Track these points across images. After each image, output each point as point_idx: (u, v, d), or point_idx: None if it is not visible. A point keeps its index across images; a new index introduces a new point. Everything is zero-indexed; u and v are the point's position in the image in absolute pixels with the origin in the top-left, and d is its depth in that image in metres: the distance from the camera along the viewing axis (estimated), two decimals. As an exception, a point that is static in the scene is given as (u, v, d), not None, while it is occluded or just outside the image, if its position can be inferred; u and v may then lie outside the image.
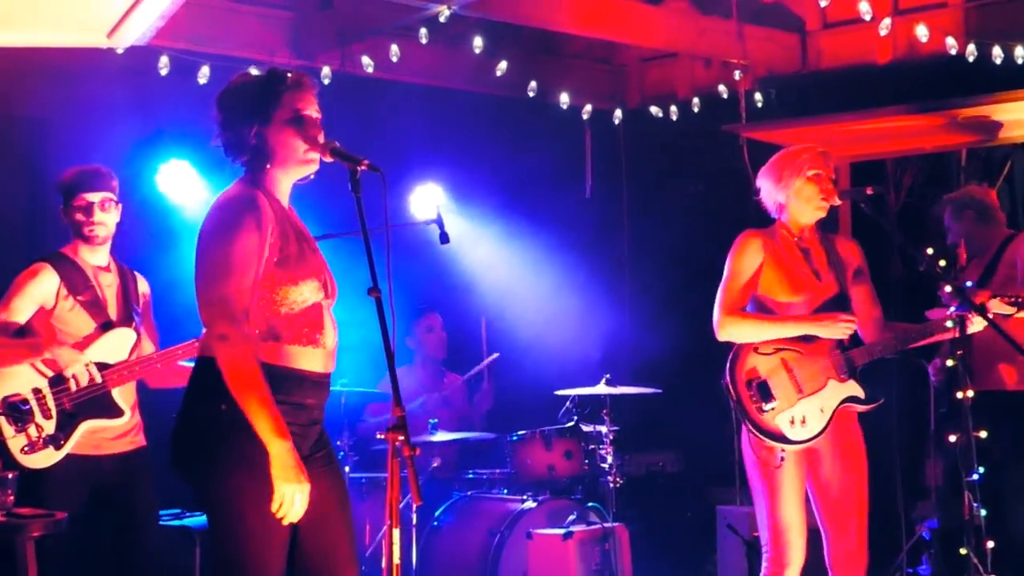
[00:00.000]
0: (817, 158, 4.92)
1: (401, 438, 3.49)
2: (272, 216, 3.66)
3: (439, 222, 6.28)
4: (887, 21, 7.01)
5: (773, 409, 4.73)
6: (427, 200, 7.45)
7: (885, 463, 5.44)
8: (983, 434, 4.80)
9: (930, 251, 4.97)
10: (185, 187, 6.76)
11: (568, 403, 6.52)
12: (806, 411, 4.75)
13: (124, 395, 4.85)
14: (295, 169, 3.79)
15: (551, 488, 6.53)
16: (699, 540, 7.57)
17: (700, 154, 8.46)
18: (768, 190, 5.00)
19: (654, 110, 8.53)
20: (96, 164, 5.02)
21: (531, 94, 7.96)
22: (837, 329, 4.77)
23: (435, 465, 6.48)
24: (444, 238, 6.31)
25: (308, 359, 3.69)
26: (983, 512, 4.83)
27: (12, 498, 3.63)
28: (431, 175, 7.61)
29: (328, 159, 3.80)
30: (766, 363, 4.80)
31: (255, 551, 3.57)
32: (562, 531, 6.01)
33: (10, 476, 3.66)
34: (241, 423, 3.52)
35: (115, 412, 4.82)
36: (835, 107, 7.65)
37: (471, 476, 6.84)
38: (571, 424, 6.51)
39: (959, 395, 4.70)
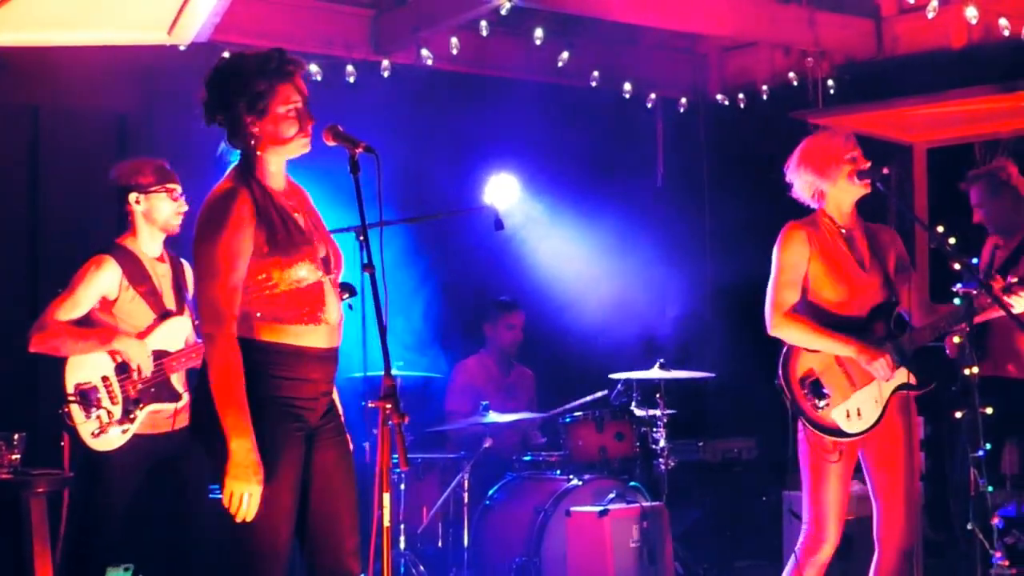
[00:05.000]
0: (849, 141, 4.94)
1: (390, 406, 3.65)
2: (253, 210, 3.80)
3: (493, 209, 6.43)
4: (934, 3, 6.96)
5: (827, 405, 4.82)
6: (502, 188, 7.58)
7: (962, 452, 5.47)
8: (989, 410, 4.80)
9: (940, 229, 4.96)
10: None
11: (619, 386, 6.65)
12: (861, 403, 4.83)
13: (180, 379, 5.12)
14: (289, 151, 3.93)
15: (604, 470, 6.67)
16: (770, 525, 7.59)
17: (780, 142, 8.43)
18: (808, 181, 4.98)
19: (723, 98, 8.59)
20: (161, 159, 5.23)
21: (593, 84, 8.08)
22: (876, 369, 4.79)
23: (486, 445, 6.64)
24: (498, 225, 6.46)
25: (310, 336, 3.85)
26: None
27: (18, 456, 3.88)
28: (507, 165, 7.76)
29: (331, 142, 3.95)
30: (820, 361, 4.88)
31: (260, 517, 3.73)
32: (599, 509, 6.13)
33: (16, 437, 3.91)
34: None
35: (174, 396, 5.07)
36: (909, 92, 7.61)
37: (528, 458, 7.01)
38: (622, 406, 6.63)
39: (966, 371, 4.70)
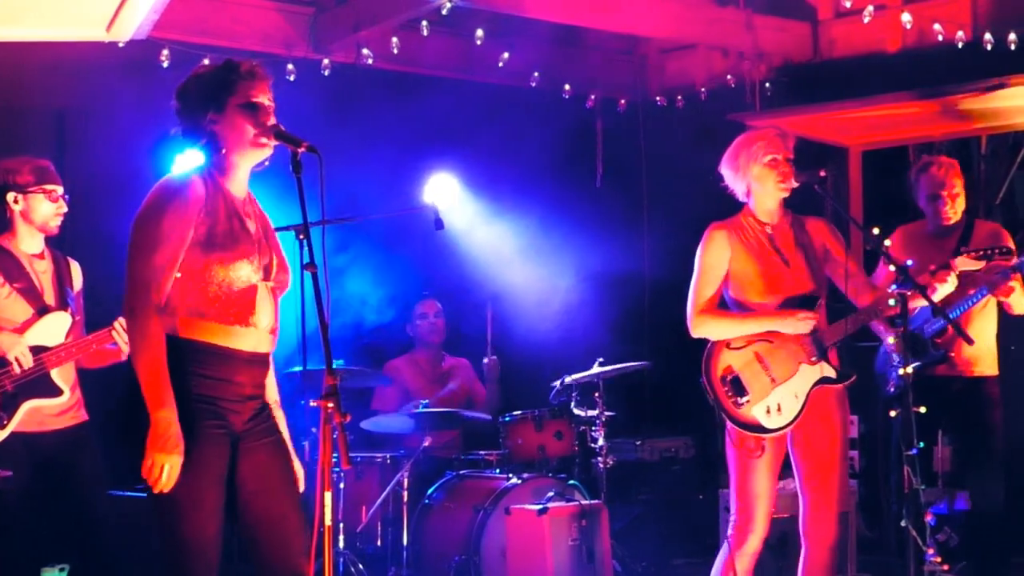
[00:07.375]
0: (772, 142, 5.00)
1: (332, 405, 3.66)
2: (201, 198, 3.85)
3: (434, 208, 6.44)
4: (870, 8, 7.07)
5: (748, 402, 4.90)
6: (441, 188, 7.58)
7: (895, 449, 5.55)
8: (922, 409, 4.86)
9: (876, 231, 5.03)
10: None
11: (558, 384, 6.69)
12: (781, 399, 4.90)
13: (63, 375, 5.06)
14: (248, 153, 3.97)
15: (543, 468, 6.72)
16: (708, 523, 7.66)
17: (718, 144, 8.52)
18: (730, 178, 5.13)
19: (661, 99, 8.69)
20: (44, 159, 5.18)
21: (533, 84, 8.13)
22: (798, 325, 4.89)
23: (426, 444, 6.67)
24: (438, 224, 6.47)
25: (236, 338, 3.86)
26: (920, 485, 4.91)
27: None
28: (447, 164, 7.77)
29: (272, 141, 3.98)
30: (739, 358, 4.96)
31: (185, 511, 3.76)
32: (538, 507, 6.17)
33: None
34: None
35: (54, 392, 5.03)
36: (845, 95, 7.71)
37: (468, 457, 7.04)
38: (561, 405, 6.68)
39: (900, 371, 4.77)
